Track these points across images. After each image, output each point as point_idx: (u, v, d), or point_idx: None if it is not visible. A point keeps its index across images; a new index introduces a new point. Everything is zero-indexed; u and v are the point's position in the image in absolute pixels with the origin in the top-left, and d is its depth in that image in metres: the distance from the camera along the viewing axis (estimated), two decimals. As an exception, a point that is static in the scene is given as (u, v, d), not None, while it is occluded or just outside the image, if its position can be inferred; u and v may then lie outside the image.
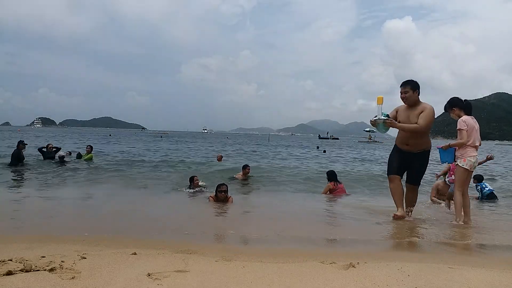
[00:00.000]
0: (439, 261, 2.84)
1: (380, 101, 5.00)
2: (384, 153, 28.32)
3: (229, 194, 6.14)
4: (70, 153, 12.99)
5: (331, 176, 7.79)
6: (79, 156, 12.99)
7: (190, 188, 7.46)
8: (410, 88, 4.92)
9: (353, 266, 2.38)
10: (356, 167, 15.88)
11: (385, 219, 5.17)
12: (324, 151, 30.06)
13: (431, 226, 5.07)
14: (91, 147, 13.73)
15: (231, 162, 14.91)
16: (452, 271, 2.41)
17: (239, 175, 9.63)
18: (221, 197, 6.03)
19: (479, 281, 2.23)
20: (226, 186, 6.14)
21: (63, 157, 11.50)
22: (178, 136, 72.53)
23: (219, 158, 15.23)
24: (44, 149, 12.34)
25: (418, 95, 4.97)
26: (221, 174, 10.60)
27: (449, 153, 5.26)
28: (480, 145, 5.03)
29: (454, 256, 3.18)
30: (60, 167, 10.75)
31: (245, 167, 9.76)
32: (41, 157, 12.22)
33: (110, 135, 60.67)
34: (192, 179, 7.63)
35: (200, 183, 7.71)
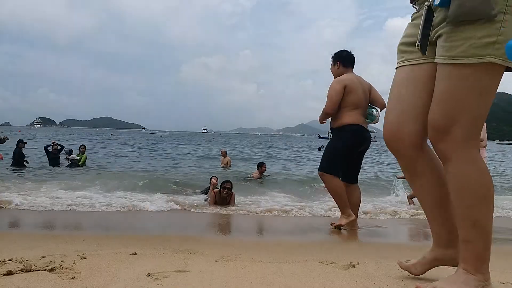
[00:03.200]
0: (439, 261, 2.84)
1: None
2: (381, 153, 28.27)
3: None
4: (71, 152, 12.77)
5: None
6: (70, 153, 12.65)
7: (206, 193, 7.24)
8: (332, 60, 4.53)
9: (353, 266, 2.38)
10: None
11: (385, 218, 5.18)
12: (319, 149, 30.16)
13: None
14: (85, 147, 13.12)
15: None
16: (452, 271, 2.41)
17: (255, 173, 9.46)
18: (223, 193, 6.21)
19: (479, 281, 2.23)
20: (231, 183, 6.36)
21: (74, 159, 11.32)
22: (176, 136, 72.53)
23: (224, 154, 15.10)
24: (50, 148, 12.04)
25: (339, 67, 4.42)
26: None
27: None
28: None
29: (454, 256, 3.17)
30: (72, 169, 10.69)
31: (261, 165, 9.55)
32: (46, 161, 11.98)
33: (112, 134, 60.30)
34: (210, 180, 7.46)
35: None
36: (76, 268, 2.10)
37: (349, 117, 4.18)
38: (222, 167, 14.04)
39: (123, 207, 5.73)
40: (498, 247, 3.97)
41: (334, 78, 4.40)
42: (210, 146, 36.70)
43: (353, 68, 4.45)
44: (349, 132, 4.20)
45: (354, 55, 4.47)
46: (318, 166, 4.32)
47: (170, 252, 2.72)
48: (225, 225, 5.06)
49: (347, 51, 4.48)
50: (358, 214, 4.56)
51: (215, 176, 7.45)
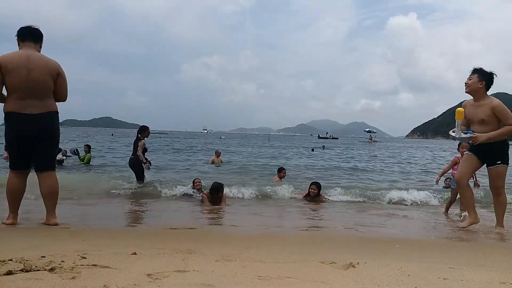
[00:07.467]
0: (439, 261, 2.84)
1: (459, 115, 4.34)
2: (383, 153, 28.23)
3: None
4: (76, 151, 12.69)
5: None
6: (76, 153, 12.55)
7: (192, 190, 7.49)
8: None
9: (353, 266, 2.38)
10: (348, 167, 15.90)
11: (384, 218, 5.18)
12: (313, 149, 30.32)
13: (431, 226, 5.08)
14: (89, 147, 13.03)
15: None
16: (452, 271, 2.41)
17: (276, 178, 9.38)
18: (214, 194, 6.37)
19: (479, 281, 2.23)
20: (221, 184, 6.49)
21: (61, 161, 11.45)
22: (176, 137, 72.41)
23: (218, 154, 15.20)
24: None
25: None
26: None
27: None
28: None
29: (454, 256, 3.17)
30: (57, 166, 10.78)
31: (280, 170, 9.53)
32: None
33: (112, 134, 60.05)
34: (193, 182, 7.63)
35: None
36: (76, 268, 2.11)
37: (7, 104, 3.65)
38: (215, 165, 14.35)
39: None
40: (499, 245, 3.97)
41: None
42: (228, 148, 33.11)
43: (37, 41, 3.78)
44: (7, 122, 3.72)
45: (36, 28, 3.79)
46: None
47: (170, 252, 2.72)
48: (224, 225, 5.06)
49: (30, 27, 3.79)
50: None
51: (197, 178, 7.67)
